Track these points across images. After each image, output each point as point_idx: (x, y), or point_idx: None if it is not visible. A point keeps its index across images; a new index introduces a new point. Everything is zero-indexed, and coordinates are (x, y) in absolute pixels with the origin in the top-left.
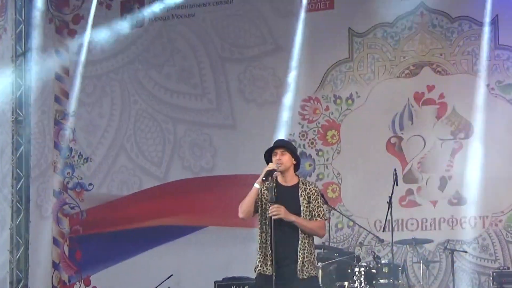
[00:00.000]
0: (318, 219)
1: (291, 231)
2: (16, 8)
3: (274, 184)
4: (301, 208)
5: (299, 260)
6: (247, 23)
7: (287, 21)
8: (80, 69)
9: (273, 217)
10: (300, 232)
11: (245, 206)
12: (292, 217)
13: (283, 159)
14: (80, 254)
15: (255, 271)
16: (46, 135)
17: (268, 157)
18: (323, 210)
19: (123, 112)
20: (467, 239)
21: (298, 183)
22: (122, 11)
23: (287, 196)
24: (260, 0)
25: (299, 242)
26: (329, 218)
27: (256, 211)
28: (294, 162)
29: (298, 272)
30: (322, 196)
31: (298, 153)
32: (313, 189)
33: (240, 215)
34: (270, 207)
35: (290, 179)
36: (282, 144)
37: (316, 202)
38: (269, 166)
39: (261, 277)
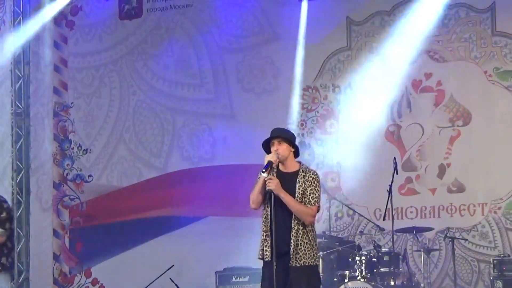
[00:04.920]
0: (308, 205)
1: (288, 218)
2: None
3: (274, 175)
4: (296, 195)
5: (291, 248)
6: (244, 13)
7: (285, 10)
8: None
9: (267, 188)
10: (293, 219)
11: (253, 196)
12: (282, 193)
13: (281, 148)
14: (81, 246)
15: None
16: (46, 127)
17: (266, 148)
18: (315, 197)
19: (121, 103)
20: (466, 227)
21: (298, 170)
22: (120, 2)
23: (285, 182)
24: None
25: (292, 229)
26: (329, 207)
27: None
28: (292, 150)
29: (291, 259)
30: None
31: (297, 142)
32: (311, 176)
33: (251, 205)
34: (267, 179)
35: (290, 166)
36: (278, 134)
37: (311, 188)
38: (268, 157)
39: (263, 262)
